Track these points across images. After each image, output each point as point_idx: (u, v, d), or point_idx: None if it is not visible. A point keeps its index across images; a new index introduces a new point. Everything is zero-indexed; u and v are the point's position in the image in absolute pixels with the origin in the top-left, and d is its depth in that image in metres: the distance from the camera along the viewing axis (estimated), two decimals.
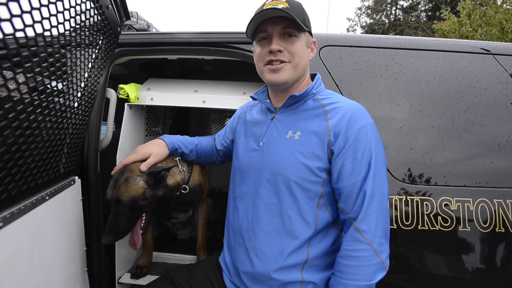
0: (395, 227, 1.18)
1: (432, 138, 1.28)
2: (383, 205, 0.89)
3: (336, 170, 0.90)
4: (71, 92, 0.98)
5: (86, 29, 1.00)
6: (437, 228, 1.18)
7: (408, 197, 1.21)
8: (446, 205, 1.19)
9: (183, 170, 1.32)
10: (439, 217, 1.18)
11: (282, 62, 0.95)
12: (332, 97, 0.99)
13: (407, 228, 1.19)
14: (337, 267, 0.89)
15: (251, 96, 1.16)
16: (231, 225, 1.09)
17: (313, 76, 1.09)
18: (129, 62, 1.69)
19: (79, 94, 1.07)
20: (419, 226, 1.18)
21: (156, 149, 1.20)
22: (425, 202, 1.20)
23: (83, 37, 0.98)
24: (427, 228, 1.18)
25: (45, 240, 0.86)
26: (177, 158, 1.30)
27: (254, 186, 1.00)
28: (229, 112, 3.19)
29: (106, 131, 1.44)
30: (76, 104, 1.07)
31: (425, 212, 1.19)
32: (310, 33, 1.00)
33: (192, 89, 1.63)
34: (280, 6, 0.90)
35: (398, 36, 1.52)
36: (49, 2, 0.69)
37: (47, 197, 0.84)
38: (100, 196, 1.37)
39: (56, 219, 0.95)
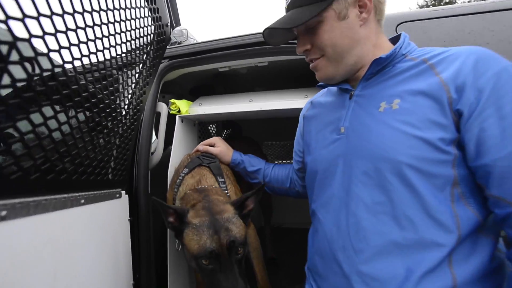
0: None
1: None
2: None
3: (473, 139, 0.59)
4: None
5: (150, 49, 0.98)
6: None
7: None
8: None
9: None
10: None
11: (316, 59, 0.79)
12: (433, 51, 0.72)
13: None
14: None
15: (317, 85, 0.94)
16: (316, 249, 0.81)
17: (396, 39, 0.82)
18: (180, 81, 1.62)
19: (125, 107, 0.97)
20: None
21: (225, 149, 1.28)
22: None
23: (144, 56, 0.94)
24: None
25: (76, 259, 0.65)
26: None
27: (343, 185, 0.73)
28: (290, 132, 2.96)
29: (157, 147, 1.30)
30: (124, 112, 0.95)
31: None
32: None
33: (247, 99, 1.47)
34: (288, 1, 0.78)
35: None
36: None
37: (82, 200, 0.66)
38: (151, 220, 1.18)
39: (93, 234, 0.75)
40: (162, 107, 1.35)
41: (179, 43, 1.63)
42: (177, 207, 0.96)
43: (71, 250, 0.62)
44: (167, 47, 1.47)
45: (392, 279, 0.62)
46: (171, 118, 1.45)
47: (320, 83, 0.91)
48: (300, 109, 1.09)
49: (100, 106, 0.71)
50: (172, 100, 1.45)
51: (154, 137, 1.41)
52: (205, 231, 0.87)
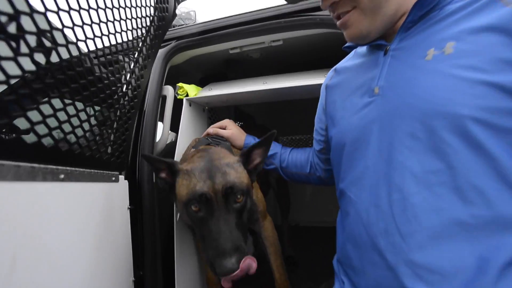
0: None
1: None
2: None
3: None
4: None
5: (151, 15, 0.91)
6: None
7: None
8: None
9: None
10: None
11: (346, 12, 0.63)
12: None
13: None
14: None
15: (344, 47, 0.79)
16: (348, 236, 0.67)
17: None
18: (188, 68, 1.52)
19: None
20: None
21: (237, 132, 1.17)
22: None
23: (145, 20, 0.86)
24: None
25: (50, 245, 0.53)
26: None
27: (382, 155, 0.59)
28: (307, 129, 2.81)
29: (162, 131, 1.19)
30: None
31: None
32: None
33: (261, 82, 1.35)
34: None
35: None
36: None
37: (61, 175, 0.55)
38: (156, 211, 1.07)
39: (77, 218, 0.63)
40: (168, 90, 1.25)
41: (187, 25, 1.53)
42: (168, 159, 0.84)
43: (43, 233, 0.51)
44: (171, 28, 1.37)
45: (459, 271, 0.47)
46: (179, 106, 1.35)
47: (347, 44, 0.77)
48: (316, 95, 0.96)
49: (86, 66, 0.60)
50: (180, 84, 1.34)
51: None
52: (196, 174, 0.75)
